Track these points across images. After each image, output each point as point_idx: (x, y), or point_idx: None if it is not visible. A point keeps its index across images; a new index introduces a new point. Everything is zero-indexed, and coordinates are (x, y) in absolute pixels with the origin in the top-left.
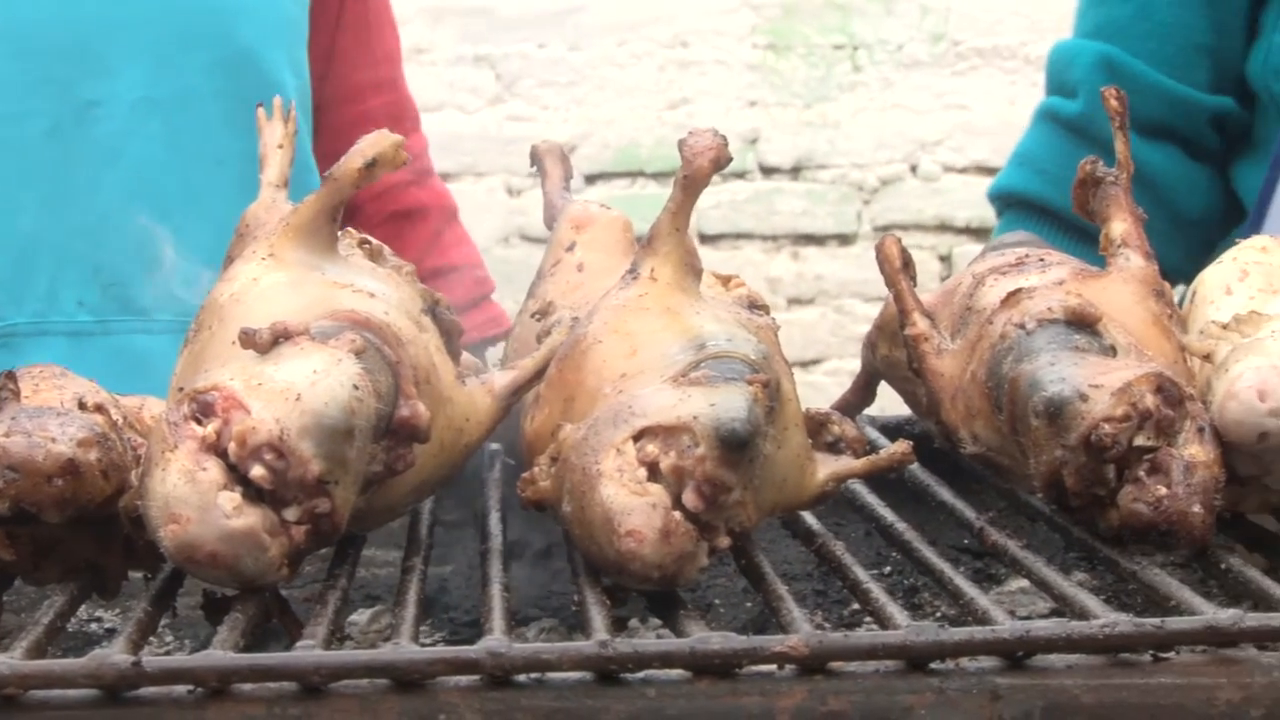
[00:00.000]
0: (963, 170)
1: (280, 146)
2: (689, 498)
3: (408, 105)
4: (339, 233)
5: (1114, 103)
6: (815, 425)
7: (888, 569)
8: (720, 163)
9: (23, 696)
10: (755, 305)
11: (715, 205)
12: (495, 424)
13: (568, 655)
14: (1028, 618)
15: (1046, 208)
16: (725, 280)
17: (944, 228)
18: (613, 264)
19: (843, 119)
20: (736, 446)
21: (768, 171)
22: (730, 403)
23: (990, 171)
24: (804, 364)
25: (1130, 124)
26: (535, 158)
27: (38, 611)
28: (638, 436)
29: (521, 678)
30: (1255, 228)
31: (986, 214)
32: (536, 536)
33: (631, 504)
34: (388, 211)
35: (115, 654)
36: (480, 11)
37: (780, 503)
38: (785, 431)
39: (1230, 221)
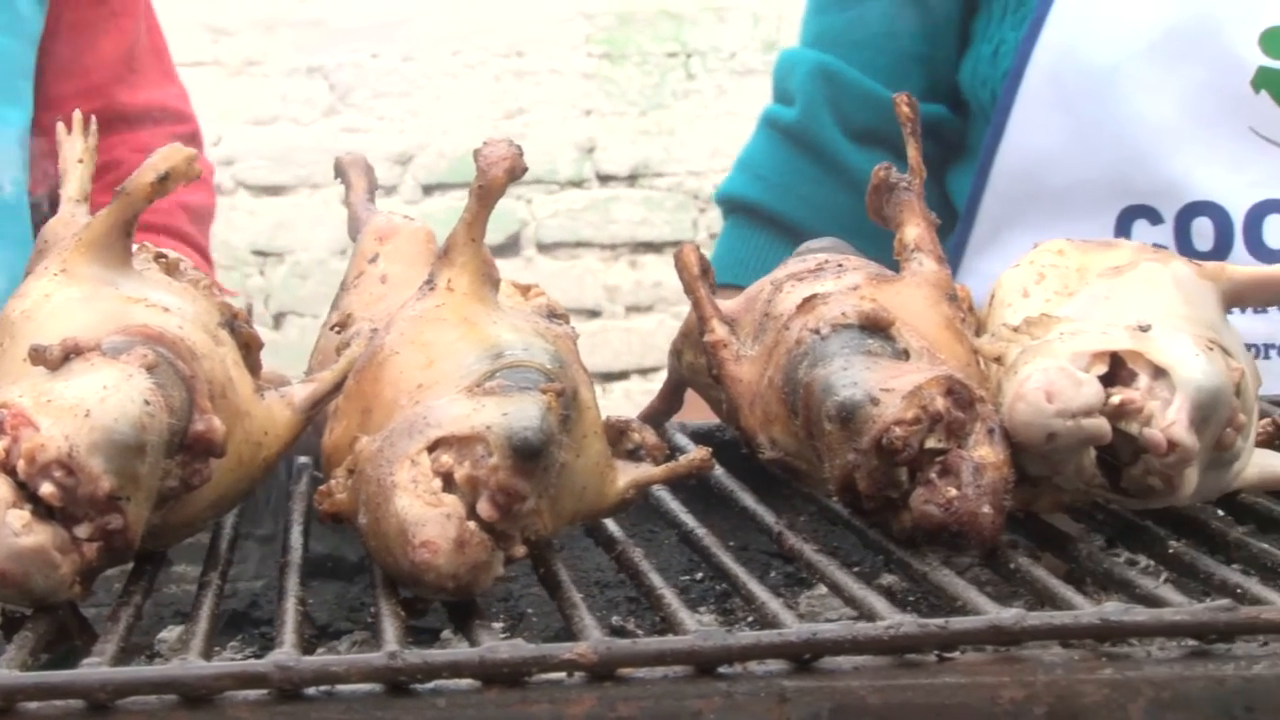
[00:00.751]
0: None
1: (80, 161)
2: (483, 507)
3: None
4: (134, 246)
5: (905, 109)
6: (615, 433)
7: (699, 575)
8: (515, 172)
9: None
10: (554, 314)
11: (553, 214)
12: (295, 437)
13: (356, 667)
14: (838, 620)
15: (765, 213)
16: (524, 290)
17: None
18: (415, 275)
19: (678, 127)
20: (530, 455)
21: (604, 180)
22: (523, 412)
23: None
24: (642, 371)
25: (847, 131)
26: (339, 170)
27: None
28: (432, 447)
29: (311, 691)
30: (965, 231)
31: None
32: (352, 550)
33: (426, 515)
34: None
35: None
36: (313, 23)
37: (580, 510)
38: (584, 439)
39: (945, 228)
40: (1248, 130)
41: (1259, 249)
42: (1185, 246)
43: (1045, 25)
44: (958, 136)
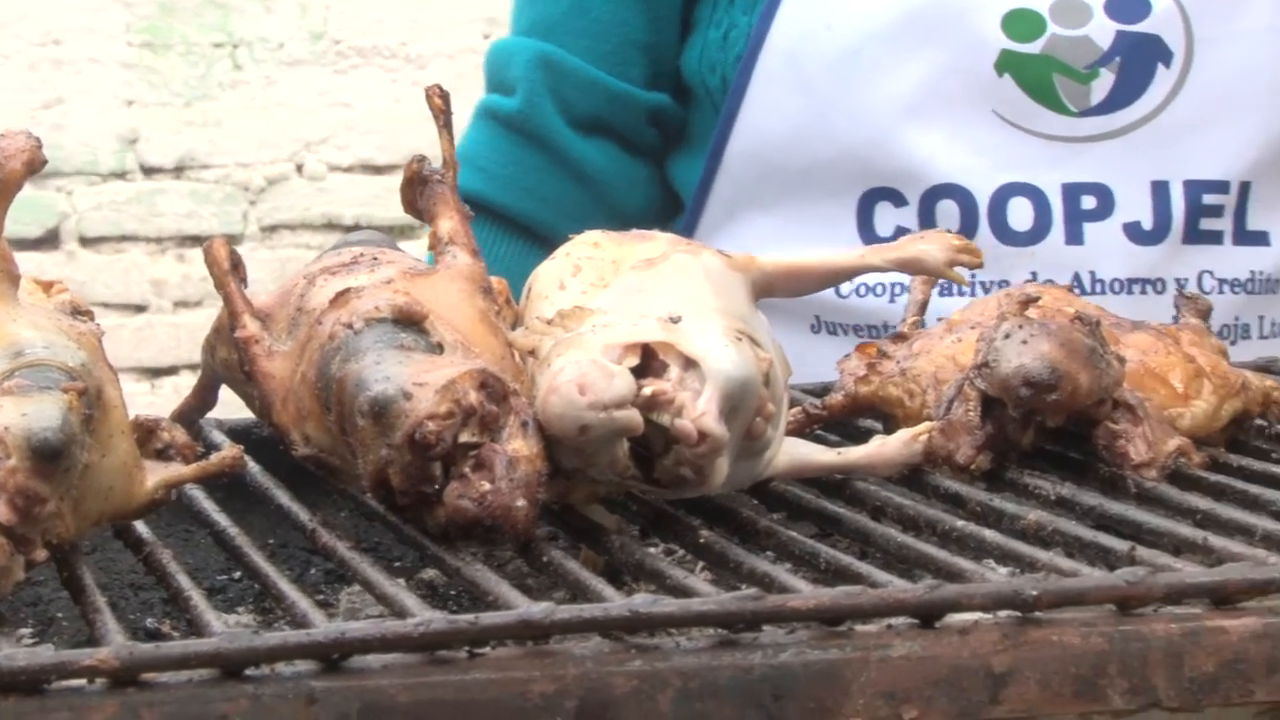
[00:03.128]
0: (348, 169)
1: None
2: (1, 511)
3: None
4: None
5: (437, 101)
6: (144, 432)
7: (238, 574)
8: (34, 165)
9: None
10: (78, 311)
11: (95, 207)
12: None
13: None
14: (380, 616)
15: (489, 207)
16: (47, 286)
17: (331, 226)
18: None
19: (225, 118)
20: (49, 457)
21: (149, 172)
22: (43, 412)
23: (376, 169)
24: (193, 366)
25: (570, 120)
26: None
27: None
28: None
29: None
30: (693, 220)
31: (374, 212)
32: None
33: None
34: None
35: None
36: None
37: (107, 512)
38: (110, 439)
39: (669, 215)
40: (991, 113)
41: (1004, 231)
42: (930, 228)
43: (781, 6)
44: (681, 125)
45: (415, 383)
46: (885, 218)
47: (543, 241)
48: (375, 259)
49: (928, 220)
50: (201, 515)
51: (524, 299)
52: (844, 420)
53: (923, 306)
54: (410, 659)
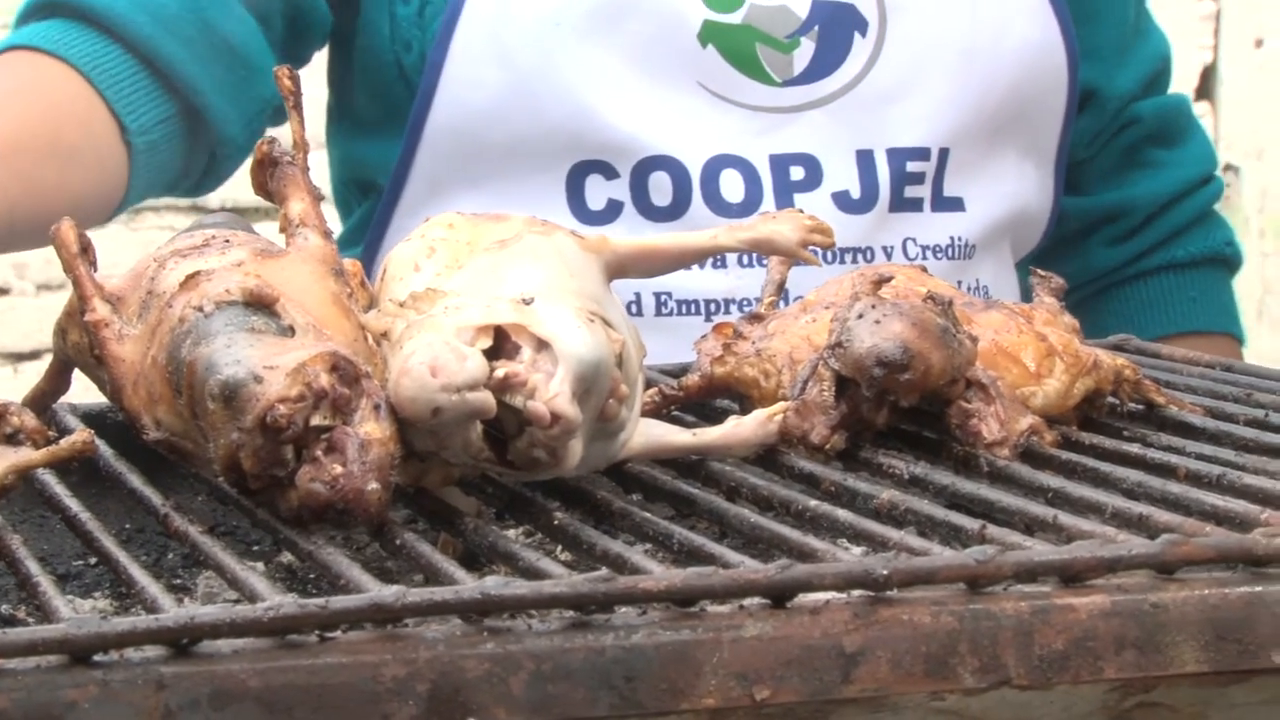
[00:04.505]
0: None
1: None
2: None
3: None
4: None
5: (286, 82)
6: None
7: (94, 559)
8: None
9: None
10: None
11: None
12: None
13: None
14: (236, 600)
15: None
16: None
17: (197, 208)
18: None
19: None
20: None
21: None
22: None
23: None
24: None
25: None
26: None
27: None
28: None
29: None
30: (393, 200)
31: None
32: None
33: None
34: None
35: None
36: None
37: None
38: None
39: (357, 200)
40: (697, 85)
41: (716, 202)
42: (643, 201)
43: None
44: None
45: (266, 365)
46: (597, 190)
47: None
48: (227, 241)
49: (640, 192)
50: (54, 500)
51: (378, 280)
52: (700, 401)
53: (779, 287)
54: (261, 644)
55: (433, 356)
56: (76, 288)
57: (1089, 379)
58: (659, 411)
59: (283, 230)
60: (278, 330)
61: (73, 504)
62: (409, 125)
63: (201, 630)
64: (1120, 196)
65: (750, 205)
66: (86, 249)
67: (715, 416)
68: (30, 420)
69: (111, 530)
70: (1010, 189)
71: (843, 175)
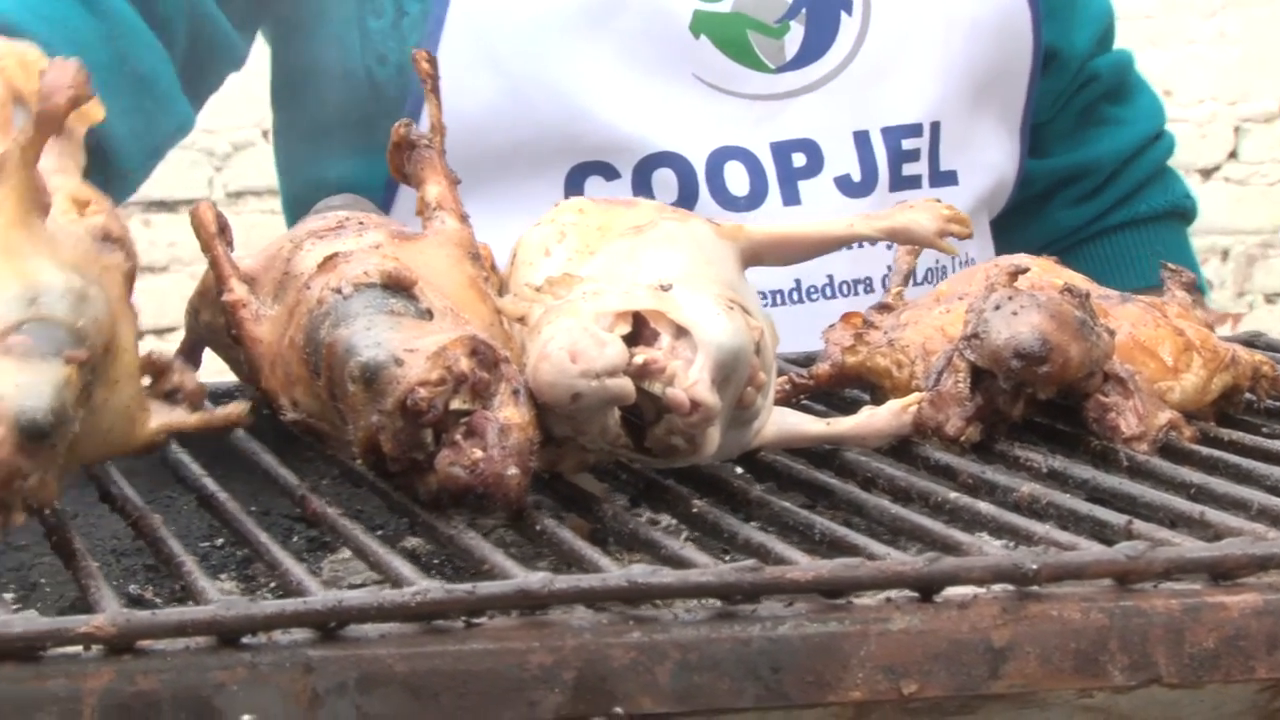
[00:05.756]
0: None
1: None
2: None
3: None
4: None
5: (424, 65)
6: (156, 371)
7: (220, 540)
8: (79, 100)
9: None
10: (109, 238)
11: None
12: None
13: None
14: (362, 585)
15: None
16: (82, 205)
17: None
18: None
19: None
20: (36, 436)
21: None
22: (37, 388)
23: None
24: (158, 331)
25: None
26: None
27: None
28: None
29: None
30: (391, 198)
31: None
32: None
33: None
34: None
35: None
36: None
37: (103, 452)
38: (116, 384)
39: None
40: (692, 77)
41: (722, 195)
42: (647, 198)
43: None
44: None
45: (406, 349)
46: (597, 192)
47: None
48: (361, 223)
49: (643, 191)
50: (188, 479)
51: (508, 264)
52: (830, 390)
53: (907, 277)
54: (406, 628)
55: (572, 342)
56: (214, 267)
57: (1227, 374)
58: (789, 400)
59: (419, 213)
60: (416, 313)
61: (209, 483)
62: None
63: (349, 614)
64: (1081, 156)
65: (756, 197)
66: (224, 229)
67: (845, 407)
68: (190, 381)
69: (244, 511)
70: (992, 158)
71: (843, 159)
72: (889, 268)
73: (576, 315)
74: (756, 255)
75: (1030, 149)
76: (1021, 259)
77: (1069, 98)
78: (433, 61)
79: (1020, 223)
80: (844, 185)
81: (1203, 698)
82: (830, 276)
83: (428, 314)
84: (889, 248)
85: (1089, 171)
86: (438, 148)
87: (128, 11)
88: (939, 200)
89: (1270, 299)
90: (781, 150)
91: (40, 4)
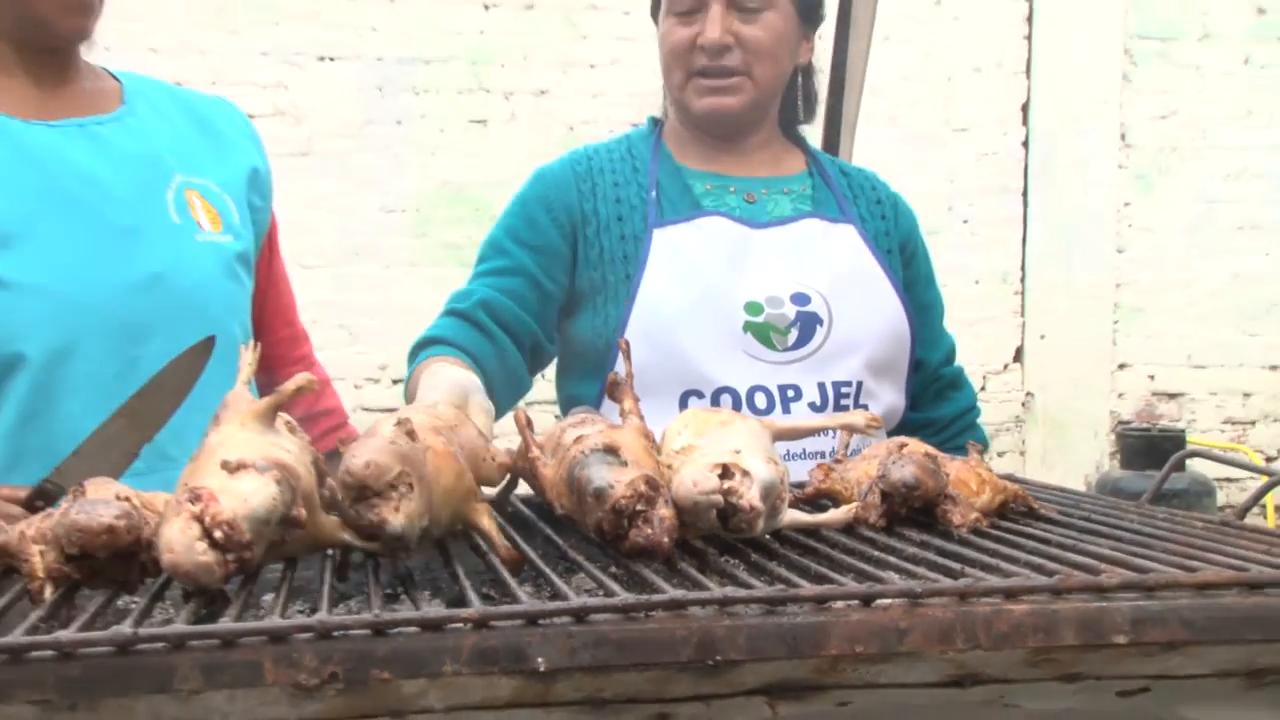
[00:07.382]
0: None
1: (249, 364)
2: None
3: (302, 334)
4: (276, 415)
5: (624, 345)
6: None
7: (559, 565)
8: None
9: (75, 651)
10: (292, 430)
11: None
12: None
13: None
14: (589, 592)
15: (455, 346)
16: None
17: None
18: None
19: None
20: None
21: None
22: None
23: None
24: None
25: (493, 320)
26: None
27: (91, 603)
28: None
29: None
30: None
31: None
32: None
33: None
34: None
35: (124, 627)
36: None
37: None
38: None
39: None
40: (743, 353)
41: (753, 410)
42: (734, 411)
43: (636, 300)
44: (542, 352)
45: (615, 480)
46: (694, 403)
47: (475, 362)
48: (594, 420)
49: (716, 405)
50: (532, 524)
51: (661, 439)
52: (812, 500)
53: (847, 446)
54: (615, 616)
55: (694, 477)
56: (524, 442)
57: (1002, 495)
58: (793, 505)
59: (620, 415)
60: (619, 463)
61: (523, 543)
62: (601, 376)
63: (589, 609)
64: (934, 414)
65: (769, 410)
66: (529, 423)
67: (821, 508)
68: (503, 457)
69: (538, 554)
70: (890, 404)
71: (812, 395)
72: (836, 444)
73: (695, 464)
74: (778, 436)
75: (909, 406)
76: (903, 439)
77: (928, 385)
78: (627, 343)
79: (904, 432)
80: (812, 408)
81: (1002, 657)
82: (804, 448)
83: (625, 463)
84: (834, 435)
85: (938, 420)
86: (627, 383)
87: (504, 338)
88: (866, 407)
89: None
90: (783, 389)
91: (458, 333)
